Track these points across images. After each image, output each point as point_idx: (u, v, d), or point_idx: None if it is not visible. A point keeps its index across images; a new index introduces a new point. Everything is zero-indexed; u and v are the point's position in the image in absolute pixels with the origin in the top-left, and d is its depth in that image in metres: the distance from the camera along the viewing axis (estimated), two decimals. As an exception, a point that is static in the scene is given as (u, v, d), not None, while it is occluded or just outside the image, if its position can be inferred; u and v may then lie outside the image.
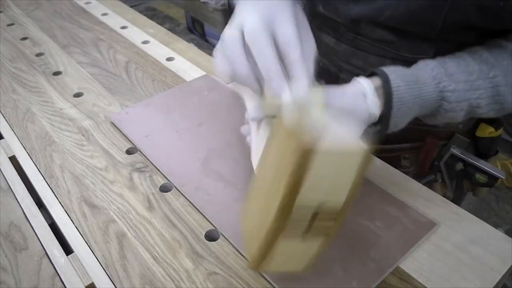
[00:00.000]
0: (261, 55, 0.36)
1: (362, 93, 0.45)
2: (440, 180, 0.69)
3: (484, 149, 0.69)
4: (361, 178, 0.34)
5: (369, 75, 0.48)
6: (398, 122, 0.47)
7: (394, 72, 0.46)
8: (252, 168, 0.50)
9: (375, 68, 0.48)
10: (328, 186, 0.34)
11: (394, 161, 0.65)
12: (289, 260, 0.41)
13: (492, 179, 0.63)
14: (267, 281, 0.48)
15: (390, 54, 0.57)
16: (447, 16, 0.48)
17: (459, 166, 0.66)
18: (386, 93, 0.45)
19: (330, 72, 0.66)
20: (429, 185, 0.69)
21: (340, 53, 0.62)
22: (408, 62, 0.52)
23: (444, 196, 0.71)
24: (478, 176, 0.64)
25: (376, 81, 0.46)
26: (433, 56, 0.51)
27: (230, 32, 0.38)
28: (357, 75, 0.56)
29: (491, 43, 0.50)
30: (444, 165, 0.66)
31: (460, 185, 0.72)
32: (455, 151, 0.65)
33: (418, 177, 0.67)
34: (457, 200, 0.75)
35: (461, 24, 0.49)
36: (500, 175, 0.62)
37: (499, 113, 0.50)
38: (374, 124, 0.47)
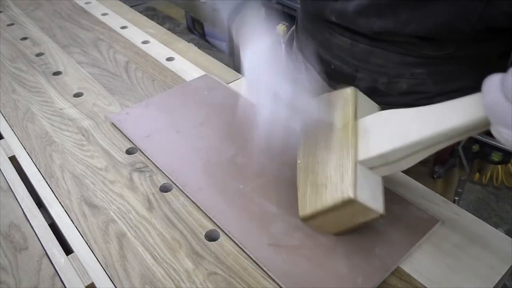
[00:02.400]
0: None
1: None
2: (457, 165, 0.70)
3: None
4: None
5: None
6: None
7: None
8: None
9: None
10: None
11: None
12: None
13: (507, 156, 0.65)
14: (268, 281, 0.48)
15: (412, 52, 0.57)
16: (476, 25, 0.49)
17: (476, 147, 0.68)
18: None
19: (344, 74, 0.64)
20: (450, 171, 0.70)
21: (357, 53, 0.61)
22: (431, 58, 0.56)
23: (460, 180, 0.73)
24: (494, 154, 0.66)
25: None
26: (455, 50, 0.54)
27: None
28: (377, 73, 0.60)
29: None
30: (462, 148, 0.68)
31: (471, 167, 0.73)
32: None
33: (439, 164, 0.69)
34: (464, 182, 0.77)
35: (488, 29, 0.50)
36: None
37: None
38: None
